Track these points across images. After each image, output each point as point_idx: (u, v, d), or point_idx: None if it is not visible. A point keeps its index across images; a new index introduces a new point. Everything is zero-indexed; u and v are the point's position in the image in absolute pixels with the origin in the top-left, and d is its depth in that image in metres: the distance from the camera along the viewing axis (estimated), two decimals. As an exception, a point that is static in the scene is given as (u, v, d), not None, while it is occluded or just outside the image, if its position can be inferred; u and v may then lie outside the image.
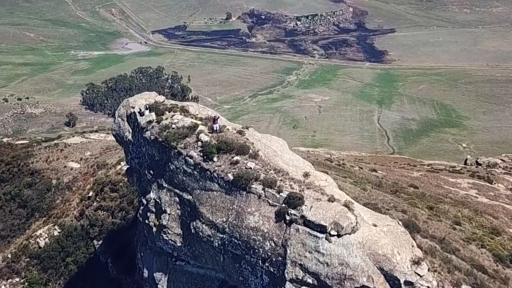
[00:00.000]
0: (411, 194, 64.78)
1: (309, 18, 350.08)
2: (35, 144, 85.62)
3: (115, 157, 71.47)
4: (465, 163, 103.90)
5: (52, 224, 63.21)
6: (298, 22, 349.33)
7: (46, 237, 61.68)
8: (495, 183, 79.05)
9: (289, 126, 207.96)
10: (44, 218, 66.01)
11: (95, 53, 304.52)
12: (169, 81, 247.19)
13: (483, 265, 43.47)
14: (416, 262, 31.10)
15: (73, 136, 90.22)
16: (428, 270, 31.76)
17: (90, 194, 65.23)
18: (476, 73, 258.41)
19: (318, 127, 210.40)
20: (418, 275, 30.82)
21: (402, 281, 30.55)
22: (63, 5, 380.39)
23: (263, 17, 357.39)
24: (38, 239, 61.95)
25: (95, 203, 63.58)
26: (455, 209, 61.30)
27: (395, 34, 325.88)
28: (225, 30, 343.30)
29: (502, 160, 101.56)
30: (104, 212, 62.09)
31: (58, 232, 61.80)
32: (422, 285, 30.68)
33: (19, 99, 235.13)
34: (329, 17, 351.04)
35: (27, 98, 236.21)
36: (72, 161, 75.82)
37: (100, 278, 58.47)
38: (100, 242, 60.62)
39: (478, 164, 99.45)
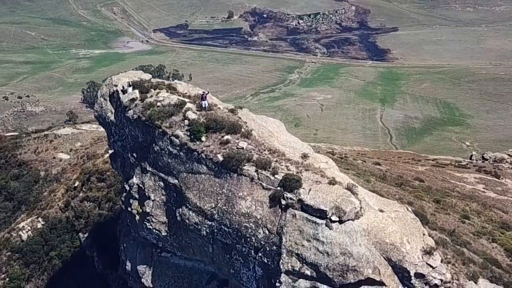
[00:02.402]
0: (417, 187, 61.96)
1: (311, 17, 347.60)
2: (24, 135, 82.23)
3: (105, 147, 68.01)
4: (471, 159, 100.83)
5: (36, 216, 59.62)
6: (300, 21, 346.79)
7: (29, 230, 58.10)
8: (502, 178, 76.37)
9: (291, 124, 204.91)
10: (28, 210, 62.55)
11: (96, 52, 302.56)
12: (170, 79, 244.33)
13: (496, 259, 40.29)
14: (428, 252, 27.53)
15: (64, 127, 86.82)
16: (441, 261, 28.22)
17: (76, 184, 61.65)
18: (479, 71, 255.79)
19: (320, 125, 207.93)
20: (430, 266, 27.26)
21: (412, 273, 27.00)
22: (64, 4, 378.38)
23: (265, 15, 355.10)
24: (20, 232, 58.35)
25: (81, 194, 59.95)
26: (462, 203, 58.58)
27: (398, 32, 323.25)
28: (227, 29, 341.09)
29: (509, 155, 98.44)
30: (91, 203, 58.46)
31: (42, 225, 58.20)
32: (434, 277, 27.13)
33: (20, 97, 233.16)
34: (331, 16, 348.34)
35: (28, 96, 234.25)
36: (62, 152, 72.38)
37: (86, 273, 54.90)
38: (86, 235, 57.02)
39: (484, 159, 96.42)
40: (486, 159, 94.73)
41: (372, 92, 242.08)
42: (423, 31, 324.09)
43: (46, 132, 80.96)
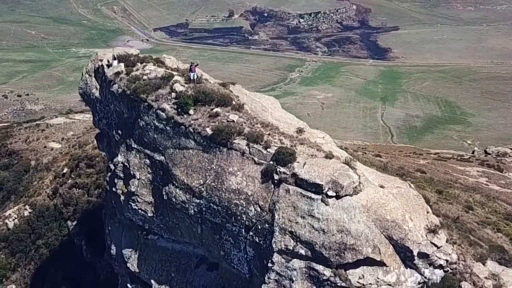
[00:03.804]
0: (418, 178, 60.08)
1: (312, 16, 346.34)
2: (16, 125, 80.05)
3: (97, 135, 65.73)
4: (473, 154, 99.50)
5: (23, 204, 57.37)
6: (301, 20, 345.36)
7: (15, 218, 55.83)
8: (505, 172, 74.84)
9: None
10: (17, 199, 60.33)
11: (96, 50, 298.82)
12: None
13: (503, 246, 38.29)
14: (432, 231, 25.34)
15: (57, 117, 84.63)
16: (447, 241, 26.04)
17: (64, 171, 59.39)
18: (480, 70, 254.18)
19: (321, 124, 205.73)
20: (435, 245, 25.06)
21: (415, 253, 24.81)
22: (65, 3, 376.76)
23: (265, 14, 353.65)
24: (6, 220, 56.09)
25: (69, 180, 57.66)
26: (466, 194, 56.70)
27: (399, 31, 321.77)
28: (228, 28, 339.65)
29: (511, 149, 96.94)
30: (79, 190, 56.21)
31: (29, 212, 55.91)
32: (439, 258, 24.96)
33: (19, 96, 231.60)
34: (332, 15, 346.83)
35: (27, 94, 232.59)
36: (53, 141, 70.22)
37: (74, 262, 52.69)
38: (74, 223, 54.75)
39: (486, 153, 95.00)
40: (489, 153, 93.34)
41: (373, 91, 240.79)
42: (424, 30, 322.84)
43: (38, 122, 78.85)
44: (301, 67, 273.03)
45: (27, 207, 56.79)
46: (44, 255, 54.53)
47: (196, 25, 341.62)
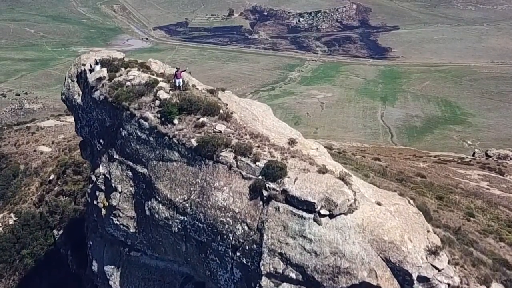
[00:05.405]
0: (418, 183, 58.57)
1: (312, 15, 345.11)
2: (6, 127, 78.17)
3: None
4: (473, 156, 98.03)
5: (8, 212, 55.47)
6: (301, 19, 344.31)
7: (-1, 226, 54.17)
8: (506, 175, 73.36)
9: (291, 122, 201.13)
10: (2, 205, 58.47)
11: (95, 49, 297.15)
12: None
13: (506, 259, 36.54)
14: (433, 252, 23.41)
15: (48, 119, 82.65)
16: (448, 262, 24.14)
17: (51, 178, 57.43)
18: (481, 70, 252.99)
19: (321, 123, 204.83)
20: (436, 268, 23.14)
21: (414, 277, 22.88)
22: (64, 2, 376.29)
23: (265, 13, 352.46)
24: (-10, 229, 54.39)
25: (56, 188, 55.77)
26: (466, 200, 55.39)
27: (399, 31, 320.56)
28: (227, 27, 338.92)
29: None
30: (66, 198, 54.27)
31: (14, 221, 54.02)
32: (440, 281, 23.03)
33: (18, 95, 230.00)
34: (332, 14, 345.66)
35: (26, 93, 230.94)
36: (43, 144, 68.31)
37: (59, 273, 50.83)
38: (60, 232, 52.82)
39: (487, 156, 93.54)
40: (490, 156, 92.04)
41: (373, 91, 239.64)
42: (424, 30, 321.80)
43: (28, 124, 76.97)
44: (301, 66, 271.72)
45: (12, 215, 54.91)
46: (29, 265, 52.68)
47: (196, 24, 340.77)
